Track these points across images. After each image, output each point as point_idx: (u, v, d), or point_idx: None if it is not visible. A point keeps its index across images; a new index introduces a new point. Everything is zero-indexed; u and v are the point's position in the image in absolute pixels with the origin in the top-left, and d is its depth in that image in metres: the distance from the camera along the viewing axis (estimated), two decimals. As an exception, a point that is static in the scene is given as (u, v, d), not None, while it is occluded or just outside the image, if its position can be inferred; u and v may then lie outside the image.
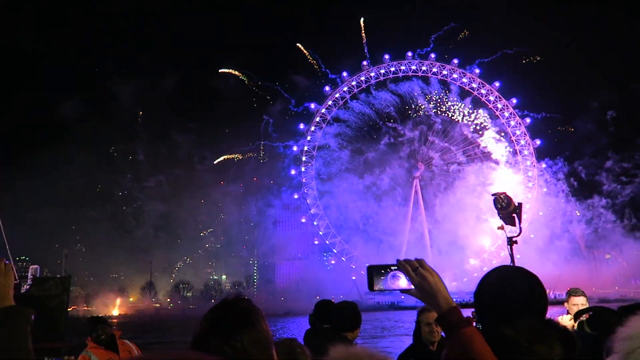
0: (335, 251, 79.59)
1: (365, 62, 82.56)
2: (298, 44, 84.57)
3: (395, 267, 2.05)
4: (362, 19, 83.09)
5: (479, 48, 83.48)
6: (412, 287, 2.01)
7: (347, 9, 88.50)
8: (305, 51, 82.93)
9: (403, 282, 2.04)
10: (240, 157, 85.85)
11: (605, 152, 78.75)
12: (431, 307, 1.98)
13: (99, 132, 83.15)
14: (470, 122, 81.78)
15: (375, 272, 2.09)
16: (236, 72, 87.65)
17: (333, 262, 78.71)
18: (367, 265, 2.11)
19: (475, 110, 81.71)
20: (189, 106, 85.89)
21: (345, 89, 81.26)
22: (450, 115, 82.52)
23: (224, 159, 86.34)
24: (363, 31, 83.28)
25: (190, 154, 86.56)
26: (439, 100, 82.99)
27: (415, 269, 1.99)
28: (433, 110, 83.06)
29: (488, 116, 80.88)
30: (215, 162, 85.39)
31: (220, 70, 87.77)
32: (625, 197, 76.24)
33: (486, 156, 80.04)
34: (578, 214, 77.79)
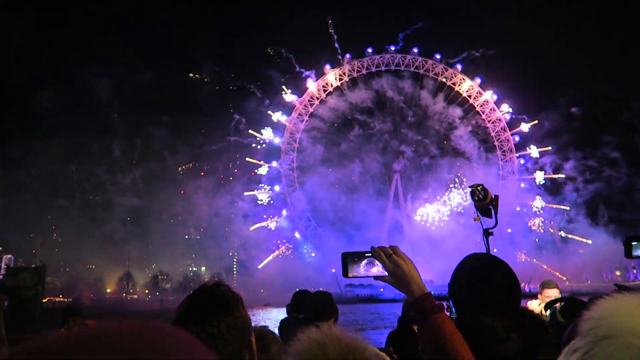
0: (310, 243, 80.00)
1: (348, 55, 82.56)
2: (269, 49, 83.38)
3: (370, 254, 2.07)
4: (329, 19, 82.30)
5: (445, 47, 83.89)
6: (386, 274, 2.03)
7: (317, 9, 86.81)
8: (274, 54, 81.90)
9: (377, 269, 2.06)
10: (208, 168, 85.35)
11: (571, 149, 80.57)
12: (404, 293, 2.01)
13: (74, 124, 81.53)
14: (444, 118, 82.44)
15: (350, 259, 2.11)
16: (206, 79, 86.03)
17: (313, 254, 79.03)
18: (342, 252, 2.13)
19: (448, 106, 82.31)
20: (164, 100, 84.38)
21: (329, 80, 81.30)
22: (423, 110, 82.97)
23: (190, 165, 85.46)
24: (333, 31, 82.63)
25: (165, 147, 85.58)
26: (412, 95, 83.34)
27: (389, 256, 2.01)
28: (404, 104, 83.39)
29: (461, 114, 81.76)
30: (179, 169, 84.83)
31: (190, 74, 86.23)
32: (590, 194, 78.16)
33: (461, 151, 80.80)
34: (552, 225, 79.36)
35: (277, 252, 79.00)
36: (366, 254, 2.08)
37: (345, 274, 2.10)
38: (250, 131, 79.72)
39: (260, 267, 78.58)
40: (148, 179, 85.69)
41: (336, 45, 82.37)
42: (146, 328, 0.67)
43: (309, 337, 1.48)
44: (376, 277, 2.06)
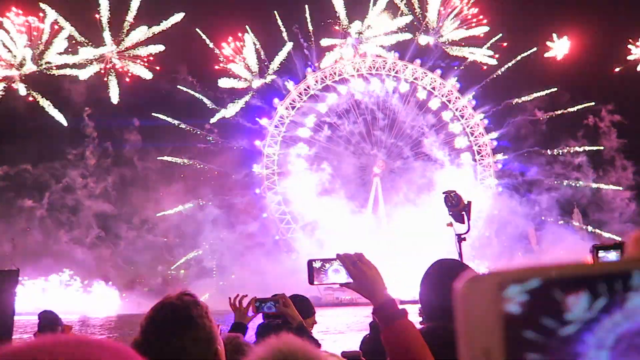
0: (289, 245, 79.97)
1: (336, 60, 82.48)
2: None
3: (335, 261, 2.12)
4: (295, 27, 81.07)
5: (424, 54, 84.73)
6: (351, 280, 2.08)
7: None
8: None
9: (343, 275, 2.11)
10: (184, 176, 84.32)
11: (540, 153, 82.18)
12: (369, 299, 2.06)
13: (47, 126, 79.70)
14: (420, 124, 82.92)
15: (316, 266, 2.15)
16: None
17: (294, 257, 78.90)
18: (308, 259, 2.16)
19: (425, 111, 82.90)
20: (139, 104, 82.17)
21: (313, 82, 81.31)
22: (400, 114, 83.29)
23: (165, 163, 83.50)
24: (303, 40, 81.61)
25: (137, 151, 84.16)
26: (388, 99, 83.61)
27: (354, 262, 2.06)
28: (380, 107, 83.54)
29: (437, 119, 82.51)
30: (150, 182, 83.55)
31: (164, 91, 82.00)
32: (557, 198, 79.74)
33: (435, 157, 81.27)
34: (533, 235, 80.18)
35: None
36: (332, 261, 2.12)
37: (311, 281, 2.14)
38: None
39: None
40: (121, 183, 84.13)
41: (306, 51, 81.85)
42: (84, 344, 0.66)
43: (266, 345, 1.54)
44: (341, 284, 2.10)
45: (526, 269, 0.45)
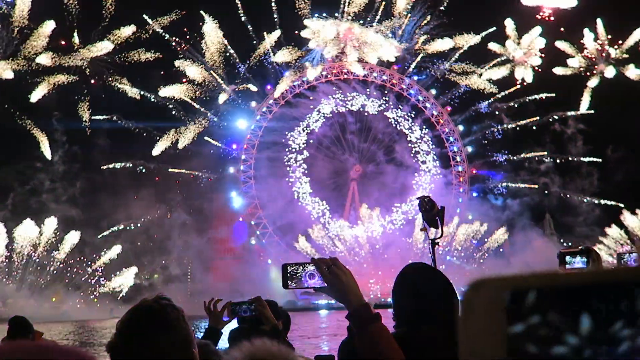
0: (266, 250, 79.72)
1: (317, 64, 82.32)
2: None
3: (310, 266, 2.14)
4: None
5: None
6: (326, 285, 2.10)
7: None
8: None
9: (317, 280, 2.13)
10: (158, 180, 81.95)
11: (500, 160, 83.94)
12: (343, 303, 2.09)
13: (15, 130, 77.48)
14: (395, 129, 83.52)
15: (290, 270, 2.17)
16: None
17: (269, 261, 78.58)
18: (283, 263, 2.18)
19: (396, 119, 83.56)
20: (110, 108, 79.59)
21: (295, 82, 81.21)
22: (376, 118, 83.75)
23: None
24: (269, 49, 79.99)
25: (106, 155, 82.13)
26: (366, 104, 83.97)
27: (328, 267, 2.09)
28: (356, 111, 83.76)
29: (413, 124, 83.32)
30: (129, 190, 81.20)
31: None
32: (524, 202, 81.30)
33: (409, 163, 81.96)
34: (504, 235, 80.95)
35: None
36: (306, 265, 2.14)
37: (285, 285, 2.16)
38: None
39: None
40: (88, 188, 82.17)
41: (268, 61, 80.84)
42: (44, 349, 0.66)
43: (240, 349, 1.55)
44: (316, 289, 2.12)
45: (538, 274, 0.40)
